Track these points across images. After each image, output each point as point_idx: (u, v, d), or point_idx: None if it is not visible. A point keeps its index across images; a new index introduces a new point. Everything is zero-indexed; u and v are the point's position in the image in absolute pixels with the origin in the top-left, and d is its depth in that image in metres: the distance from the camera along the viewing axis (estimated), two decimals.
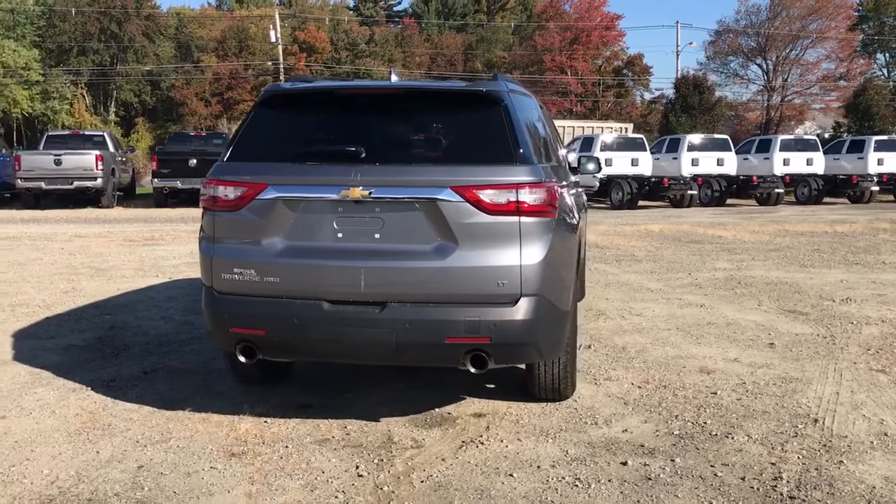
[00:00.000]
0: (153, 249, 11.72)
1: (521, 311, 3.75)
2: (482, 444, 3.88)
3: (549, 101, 41.37)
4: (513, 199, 3.71)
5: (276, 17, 56.42)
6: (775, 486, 3.40)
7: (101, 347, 5.74)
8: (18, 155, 20.68)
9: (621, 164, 23.23)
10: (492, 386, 4.75)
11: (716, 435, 3.99)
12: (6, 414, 4.32)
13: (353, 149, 3.83)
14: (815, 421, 4.20)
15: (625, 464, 3.63)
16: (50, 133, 24.57)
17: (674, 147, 24.76)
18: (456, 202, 3.68)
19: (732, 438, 3.94)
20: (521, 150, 3.83)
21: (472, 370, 3.79)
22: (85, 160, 20.21)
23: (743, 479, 3.47)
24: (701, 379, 4.96)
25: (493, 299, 3.73)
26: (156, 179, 21.19)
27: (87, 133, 24.53)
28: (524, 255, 3.74)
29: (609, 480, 3.46)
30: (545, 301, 3.84)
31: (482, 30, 52.86)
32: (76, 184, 20.10)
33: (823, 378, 4.97)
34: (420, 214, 3.73)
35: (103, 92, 52.53)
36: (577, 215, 4.82)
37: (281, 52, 52.46)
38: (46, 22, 49.89)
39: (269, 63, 51.02)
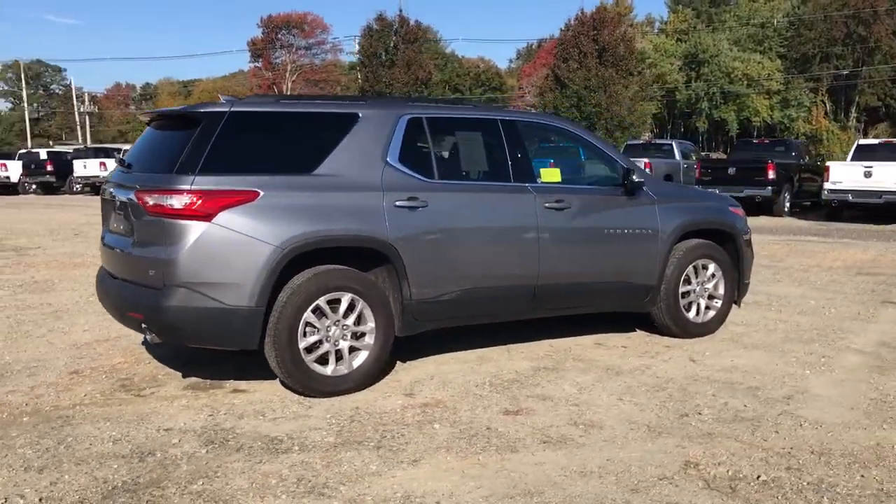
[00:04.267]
0: None
1: (164, 297, 4.51)
2: (161, 403, 4.73)
3: None
4: (160, 202, 4.50)
5: None
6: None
7: None
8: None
9: None
10: None
11: (275, 448, 4.03)
12: (69, 329, 6.74)
13: (124, 159, 5.09)
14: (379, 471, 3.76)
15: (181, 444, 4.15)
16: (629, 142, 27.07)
17: None
18: (135, 203, 4.66)
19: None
20: (187, 161, 4.52)
21: (149, 339, 4.73)
22: None
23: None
24: (478, 415, 4.51)
25: (148, 284, 4.60)
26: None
27: (657, 142, 26.32)
28: (169, 250, 4.49)
29: (154, 455, 4.04)
30: (195, 293, 4.48)
31: None
32: None
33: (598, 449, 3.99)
34: (130, 212, 4.80)
35: (844, 97, 53.61)
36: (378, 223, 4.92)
37: None
38: (793, 32, 53.47)
39: None
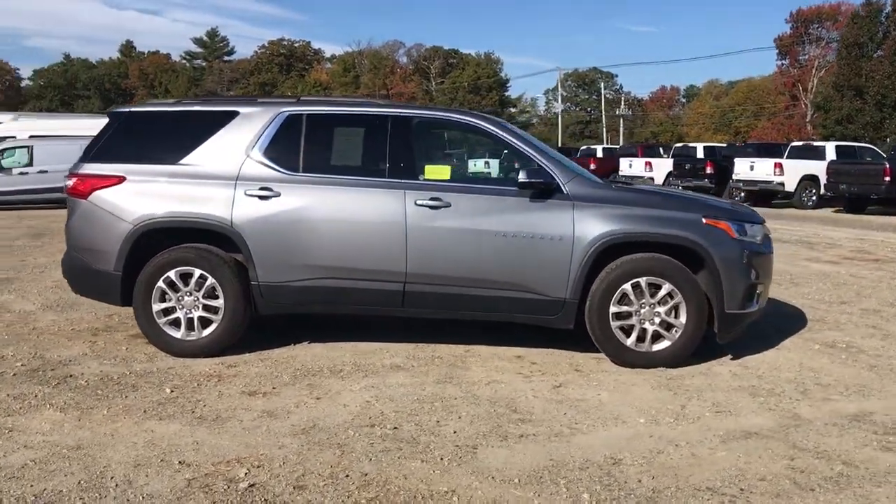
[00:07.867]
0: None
1: (65, 257, 5.87)
2: (65, 339, 6.03)
3: None
4: (66, 183, 5.80)
5: None
6: None
7: None
8: None
9: None
10: None
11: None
12: None
13: None
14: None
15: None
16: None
17: None
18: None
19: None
20: (85, 152, 5.74)
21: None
22: None
23: None
24: (224, 391, 4.90)
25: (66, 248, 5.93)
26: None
27: None
28: (69, 221, 5.78)
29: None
30: (78, 256, 5.72)
31: None
32: None
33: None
34: None
35: None
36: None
37: None
38: None
39: None
